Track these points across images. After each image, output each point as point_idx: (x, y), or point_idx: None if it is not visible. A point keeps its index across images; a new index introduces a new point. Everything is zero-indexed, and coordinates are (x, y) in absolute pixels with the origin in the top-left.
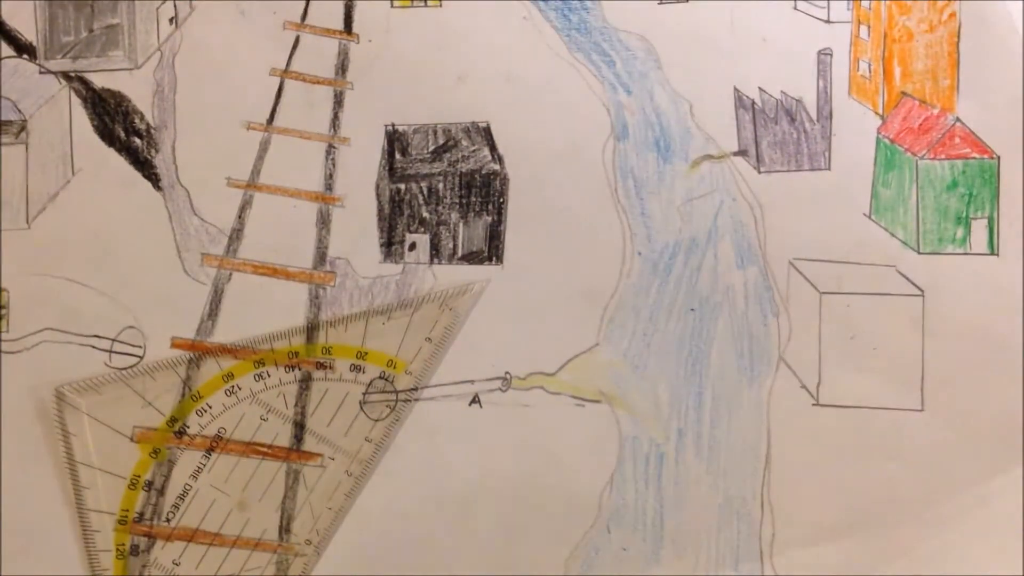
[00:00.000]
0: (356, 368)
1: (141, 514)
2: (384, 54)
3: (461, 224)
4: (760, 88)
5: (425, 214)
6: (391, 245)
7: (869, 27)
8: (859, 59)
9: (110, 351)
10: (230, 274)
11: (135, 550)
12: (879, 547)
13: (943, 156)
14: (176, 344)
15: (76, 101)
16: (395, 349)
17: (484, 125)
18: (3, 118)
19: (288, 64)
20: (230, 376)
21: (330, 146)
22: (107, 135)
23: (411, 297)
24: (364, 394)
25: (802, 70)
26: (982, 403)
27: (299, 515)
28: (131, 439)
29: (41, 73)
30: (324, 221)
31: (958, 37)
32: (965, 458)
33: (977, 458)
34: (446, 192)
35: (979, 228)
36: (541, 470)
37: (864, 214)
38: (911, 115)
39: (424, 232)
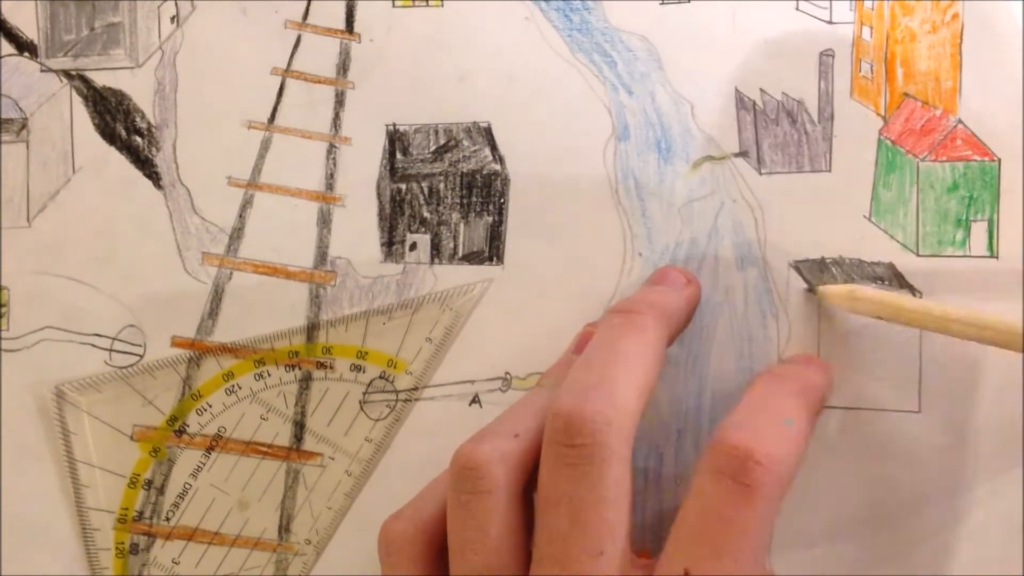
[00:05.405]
0: (356, 368)
1: (141, 513)
2: (385, 54)
3: (462, 224)
4: (761, 89)
5: (426, 214)
6: (392, 245)
7: (871, 28)
8: (861, 60)
9: (110, 350)
10: (231, 273)
11: (135, 549)
12: (877, 548)
13: (944, 158)
14: (176, 343)
15: (77, 99)
16: (395, 349)
17: (485, 125)
18: (4, 116)
19: (289, 63)
20: (230, 375)
21: (331, 145)
22: (108, 134)
23: (412, 297)
24: (364, 394)
25: (804, 71)
26: (980, 405)
27: (299, 514)
28: (131, 438)
29: (42, 71)
30: (325, 221)
31: (961, 38)
32: (963, 459)
33: (975, 460)
34: (447, 192)
35: (979, 231)
36: None
37: (864, 216)
38: (913, 116)
39: (425, 232)
